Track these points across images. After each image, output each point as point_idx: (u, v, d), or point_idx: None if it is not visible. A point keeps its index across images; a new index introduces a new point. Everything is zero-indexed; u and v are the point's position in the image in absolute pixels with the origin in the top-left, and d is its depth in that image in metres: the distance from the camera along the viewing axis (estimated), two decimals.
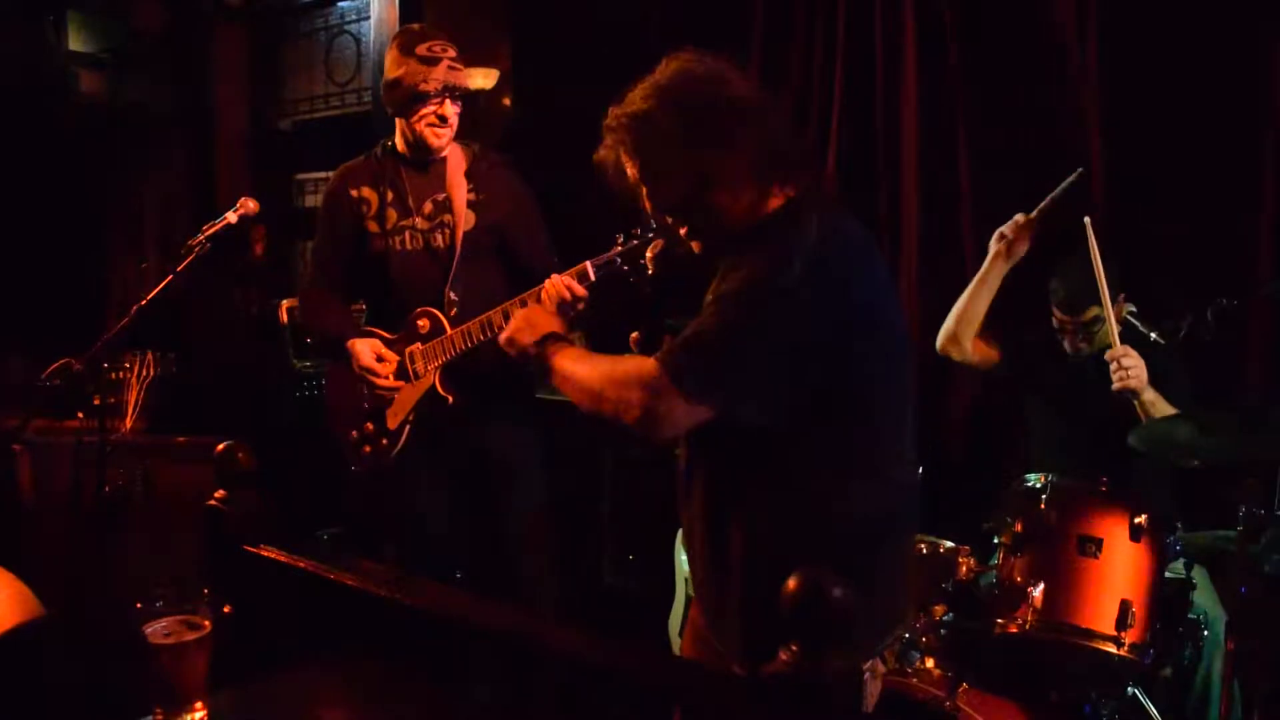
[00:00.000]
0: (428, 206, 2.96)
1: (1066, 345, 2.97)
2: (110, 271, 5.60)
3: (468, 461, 3.01)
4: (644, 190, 1.79)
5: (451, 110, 2.90)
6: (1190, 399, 2.75)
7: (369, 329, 3.03)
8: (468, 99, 3.00)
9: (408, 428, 2.94)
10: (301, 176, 5.82)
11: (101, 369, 3.29)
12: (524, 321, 1.98)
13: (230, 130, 5.95)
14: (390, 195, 2.97)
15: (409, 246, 2.96)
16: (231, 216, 2.97)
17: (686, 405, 1.63)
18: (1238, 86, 3.21)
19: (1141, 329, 2.74)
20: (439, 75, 2.84)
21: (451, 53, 2.89)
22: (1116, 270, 2.79)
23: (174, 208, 5.76)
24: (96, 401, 3.04)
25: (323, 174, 5.69)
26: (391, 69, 2.91)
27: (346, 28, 5.50)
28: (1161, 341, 2.70)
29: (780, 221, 1.73)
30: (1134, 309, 2.82)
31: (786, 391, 1.64)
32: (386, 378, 2.93)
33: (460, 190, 2.95)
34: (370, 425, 2.99)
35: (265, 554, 1.92)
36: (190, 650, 1.43)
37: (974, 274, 3.03)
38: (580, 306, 2.60)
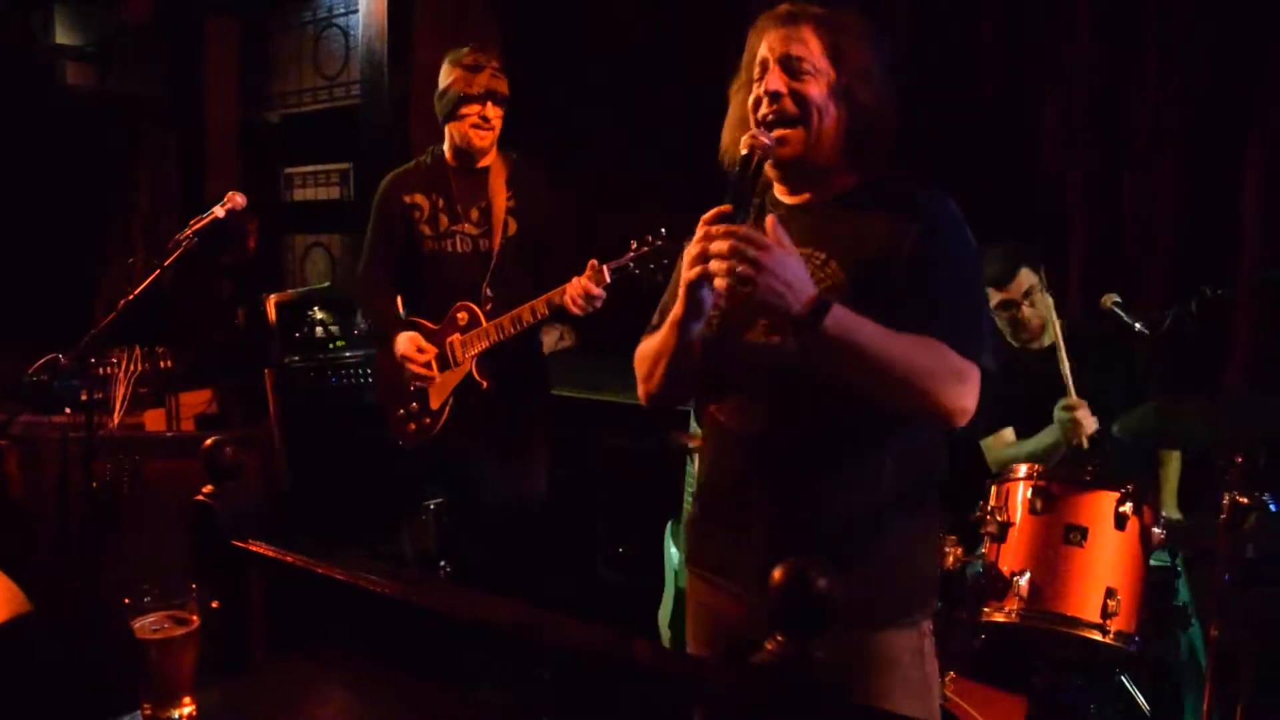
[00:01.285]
0: (474, 213, 3.26)
1: (1011, 338, 3.09)
2: (99, 266, 5.59)
3: (496, 443, 3.28)
4: (822, 86, 1.72)
5: (493, 113, 3.18)
6: (1171, 388, 2.81)
7: (414, 319, 3.33)
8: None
9: (448, 408, 3.26)
10: (290, 170, 5.81)
11: (89, 364, 3.29)
12: (779, 280, 1.54)
13: (219, 123, 5.94)
14: (441, 202, 3.28)
15: (459, 249, 3.26)
16: (219, 211, 2.97)
17: (978, 381, 1.67)
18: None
19: (1126, 319, 2.76)
20: (483, 80, 3.15)
21: (495, 63, 3.19)
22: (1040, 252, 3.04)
23: (163, 201, 5.75)
24: (84, 397, 3.03)
25: (311, 167, 5.69)
26: (442, 80, 3.23)
27: (335, 21, 5.49)
28: (1146, 332, 2.72)
29: (919, 187, 1.77)
30: (1119, 299, 2.84)
31: None
32: (421, 365, 3.23)
33: (501, 198, 3.24)
34: (415, 404, 3.30)
35: (254, 549, 1.92)
36: (178, 645, 1.43)
37: None
38: (598, 304, 2.96)
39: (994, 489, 2.53)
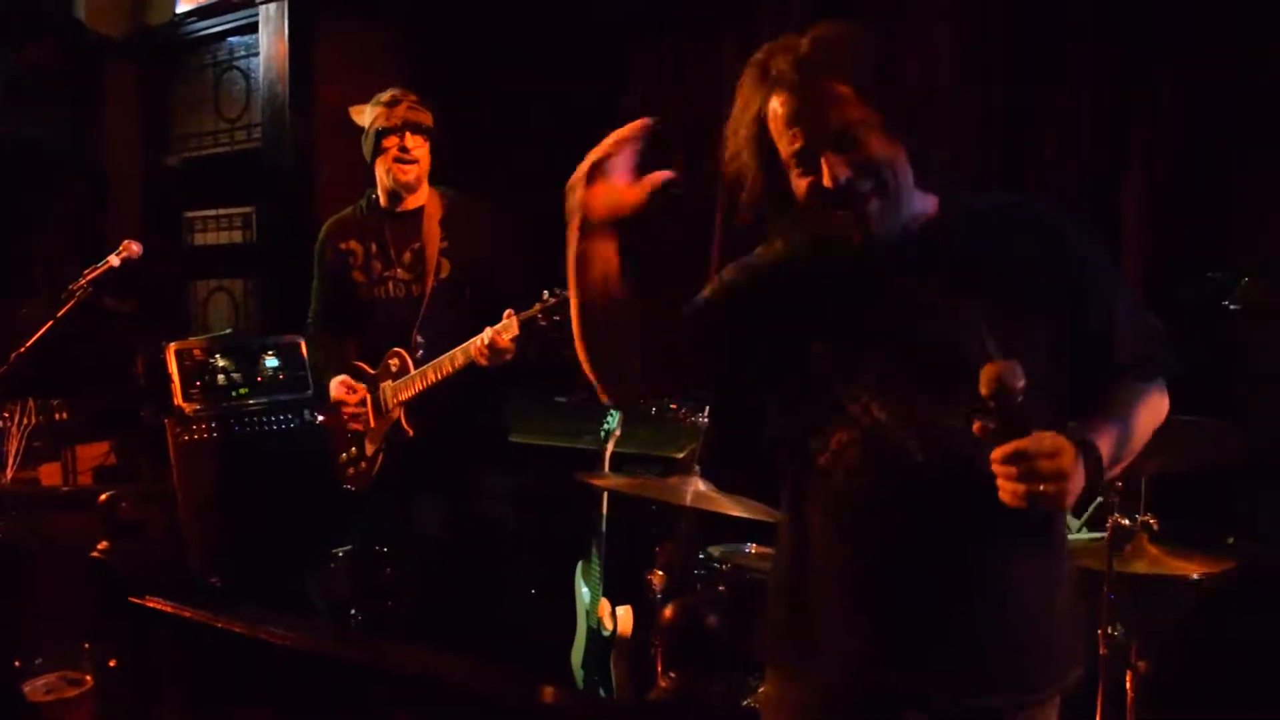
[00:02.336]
0: (407, 256, 3.23)
1: None
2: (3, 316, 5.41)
3: (425, 490, 3.30)
4: (858, 124, 1.46)
5: (413, 143, 3.17)
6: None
7: (357, 364, 3.35)
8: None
9: (380, 455, 3.27)
10: (191, 214, 5.72)
11: None
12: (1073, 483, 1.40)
13: (121, 167, 5.83)
14: (374, 247, 3.27)
15: (391, 294, 3.25)
16: (114, 260, 2.93)
17: None
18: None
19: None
20: (399, 112, 3.17)
21: (413, 98, 3.21)
22: None
23: (65, 247, 5.61)
24: None
25: (212, 211, 5.61)
26: (365, 122, 3.25)
27: (235, 64, 5.44)
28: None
29: (1006, 197, 1.67)
30: None
31: None
32: (355, 406, 3.26)
33: (435, 239, 3.21)
34: (355, 449, 3.32)
35: (151, 605, 1.90)
36: (71, 707, 1.42)
37: None
38: (506, 358, 2.92)
39: None
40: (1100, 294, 1.54)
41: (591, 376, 1.62)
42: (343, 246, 3.32)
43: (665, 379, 1.71)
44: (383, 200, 3.30)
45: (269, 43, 5.05)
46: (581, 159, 1.55)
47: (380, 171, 3.25)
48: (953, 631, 1.52)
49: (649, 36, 4.35)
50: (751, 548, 3.12)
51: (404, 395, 3.20)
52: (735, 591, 2.75)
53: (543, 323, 2.85)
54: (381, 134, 3.17)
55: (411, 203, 3.26)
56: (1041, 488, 1.34)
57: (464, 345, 3.01)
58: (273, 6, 5.02)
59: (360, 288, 3.29)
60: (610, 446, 3.12)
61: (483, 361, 2.97)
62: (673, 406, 3.66)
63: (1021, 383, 1.30)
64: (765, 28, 4.05)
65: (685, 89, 4.24)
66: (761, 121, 1.54)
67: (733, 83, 1.60)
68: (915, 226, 1.54)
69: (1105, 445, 1.44)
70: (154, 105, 5.83)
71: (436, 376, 3.10)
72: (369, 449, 3.30)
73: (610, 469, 3.14)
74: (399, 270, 3.24)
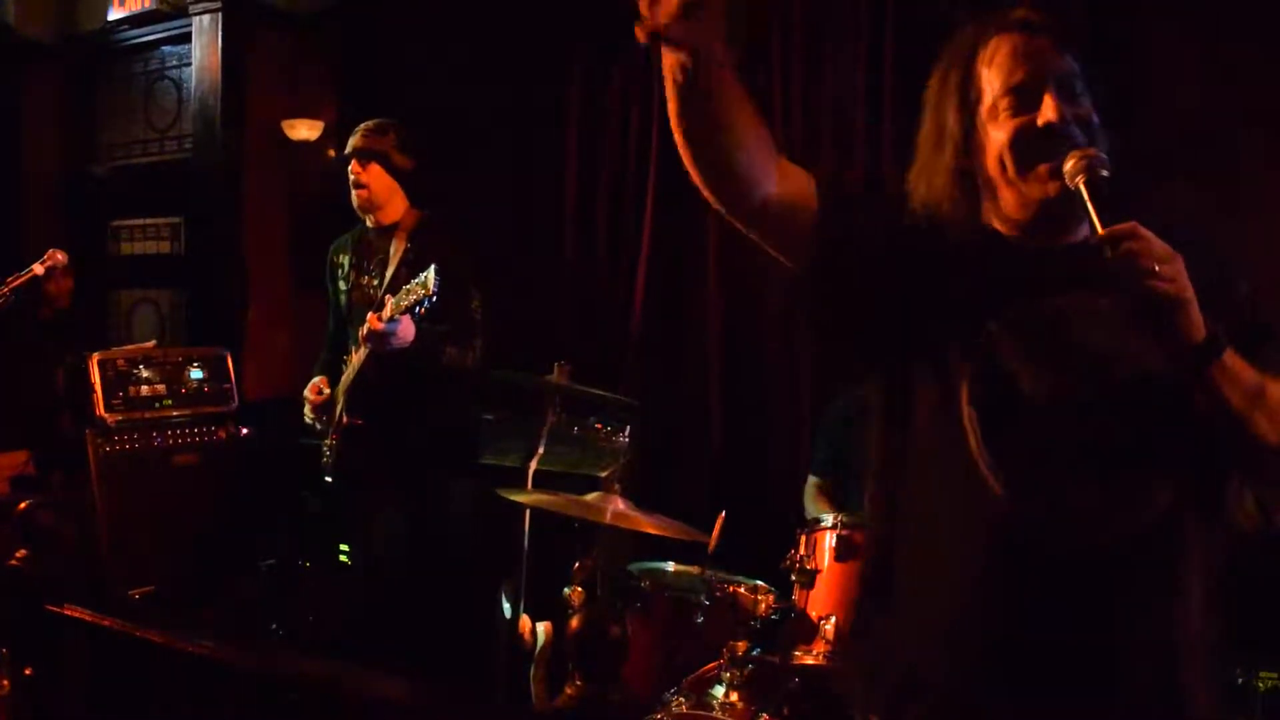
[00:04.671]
0: (374, 264, 3.47)
1: None
2: None
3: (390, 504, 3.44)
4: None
5: (359, 170, 3.39)
6: None
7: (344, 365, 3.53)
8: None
9: (336, 446, 3.46)
10: (118, 223, 5.65)
11: None
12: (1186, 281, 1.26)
13: (39, 174, 5.75)
14: (356, 259, 3.53)
15: (362, 300, 3.44)
16: (38, 269, 2.93)
17: None
18: None
19: None
20: (353, 140, 3.43)
21: (370, 126, 3.44)
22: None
23: None
24: None
25: (140, 220, 5.56)
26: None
27: (167, 73, 5.41)
28: None
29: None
30: None
31: None
32: (313, 401, 3.46)
33: (399, 250, 3.42)
34: (326, 444, 3.51)
35: (69, 613, 1.91)
36: None
37: None
38: (392, 343, 3.12)
39: (802, 538, 2.70)
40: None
41: (694, 171, 1.41)
42: (335, 260, 3.59)
43: (766, 206, 1.44)
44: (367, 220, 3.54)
45: (202, 54, 5.04)
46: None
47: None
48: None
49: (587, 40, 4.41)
50: (671, 565, 3.19)
51: (343, 386, 3.43)
52: (651, 608, 2.83)
53: (420, 312, 3.03)
54: (345, 160, 3.45)
55: (385, 219, 3.47)
56: (1157, 268, 1.22)
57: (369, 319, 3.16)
58: (206, 18, 5.02)
59: (342, 295, 3.55)
60: (534, 464, 3.16)
61: (367, 345, 3.19)
62: (597, 426, 3.73)
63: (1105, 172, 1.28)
64: None
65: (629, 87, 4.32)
66: (968, 75, 1.45)
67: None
68: (1077, 237, 1.42)
69: (1233, 358, 1.27)
70: (79, 111, 5.76)
71: (357, 364, 3.34)
72: (331, 441, 3.48)
73: (533, 487, 3.19)
74: (367, 277, 3.48)
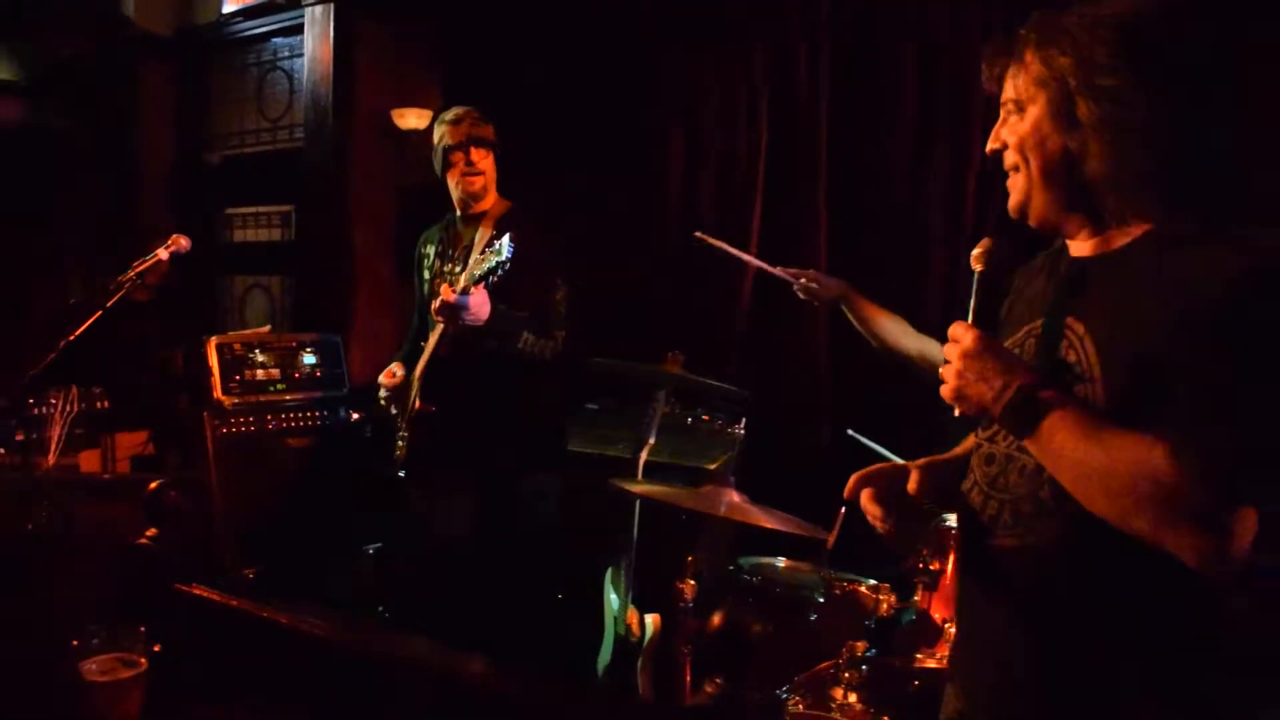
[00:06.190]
0: (459, 252, 3.47)
1: None
2: (29, 304, 5.48)
3: (446, 476, 3.39)
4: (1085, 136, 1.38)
5: (478, 156, 3.39)
6: None
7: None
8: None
9: (410, 435, 3.41)
10: (231, 211, 5.78)
11: (26, 405, 3.24)
12: (973, 372, 1.38)
13: (156, 162, 5.89)
14: (441, 248, 3.54)
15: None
16: (163, 254, 2.96)
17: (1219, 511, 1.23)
18: None
19: None
20: (463, 128, 3.40)
21: (475, 114, 3.44)
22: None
23: (96, 240, 5.67)
24: (19, 437, 2.99)
25: (253, 209, 5.67)
26: (434, 140, 3.48)
27: (279, 64, 5.51)
28: None
29: (1226, 239, 1.30)
30: None
31: None
32: (387, 385, 3.45)
33: (484, 238, 3.39)
34: (400, 433, 3.45)
35: (196, 592, 1.92)
36: (125, 688, 1.44)
37: None
38: (464, 317, 3.06)
39: (924, 539, 2.61)
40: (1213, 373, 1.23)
41: None
42: (422, 251, 3.61)
43: None
44: (457, 209, 3.52)
45: (314, 45, 5.11)
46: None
47: (451, 184, 3.47)
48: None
49: (682, 44, 4.37)
50: (781, 561, 3.13)
51: (417, 370, 3.39)
52: (766, 604, 2.77)
53: (493, 280, 2.99)
54: (449, 150, 3.41)
55: (477, 208, 3.47)
56: (940, 371, 1.41)
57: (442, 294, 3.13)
58: (319, 9, 5.08)
59: (426, 284, 3.55)
60: (644, 455, 3.13)
61: (439, 319, 3.15)
62: (705, 418, 3.68)
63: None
64: (798, 36, 4.08)
65: (716, 96, 4.27)
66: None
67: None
68: (1110, 246, 1.43)
69: (1068, 405, 1.30)
70: (193, 102, 5.89)
71: (432, 344, 3.33)
72: (404, 430, 3.44)
73: (643, 477, 3.15)
74: (450, 264, 3.46)
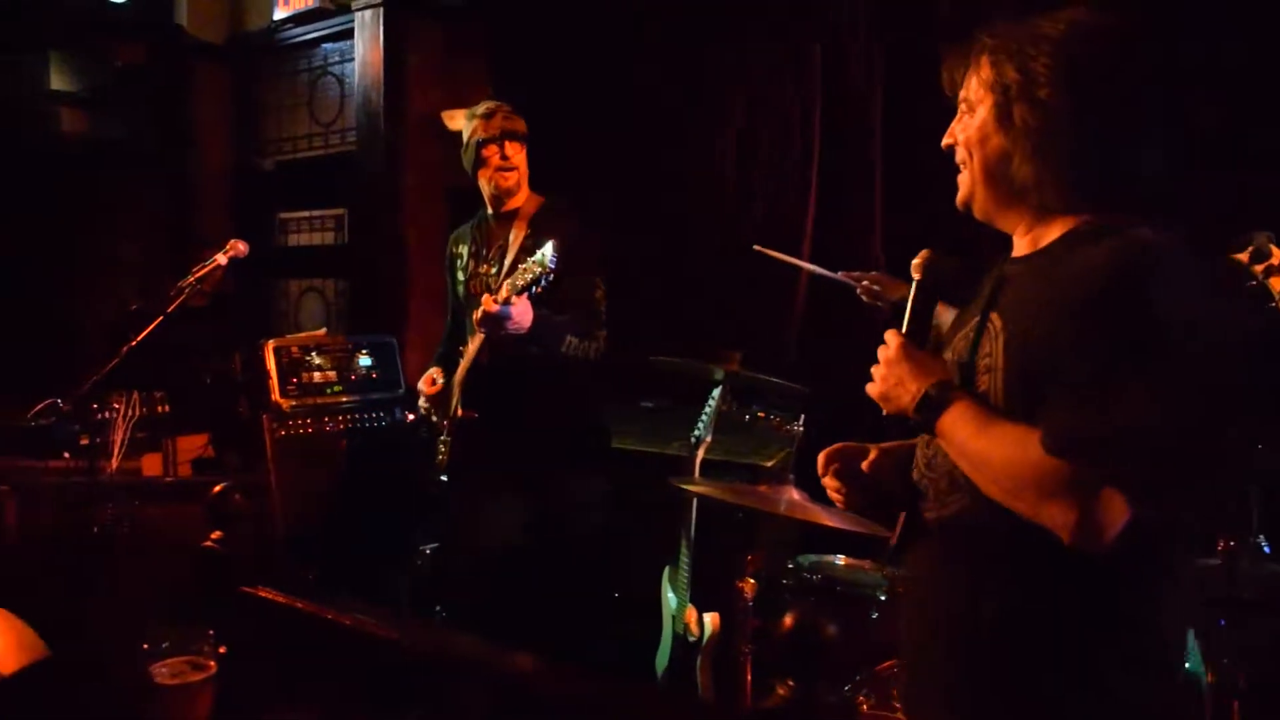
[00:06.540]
0: (494, 252, 3.36)
1: None
2: (87, 310, 5.58)
3: (491, 478, 3.31)
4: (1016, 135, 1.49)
5: (512, 151, 3.30)
6: None
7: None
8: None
9: (451, 441, 3.35)
10: (285, 215, 5.84)
11: (89, 409, 3.29)
12: (894, 376, 1.54)
13: (211, 168, 5.98)
14: (475, 249, 3.43)
15: (478, 290, 3.31)
16: (221, 259, 3.00)
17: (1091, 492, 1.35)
18: None
19: None
20: (497, 123, 3.30)
21: (507, 109, 3.35)
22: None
23: (154, 246, 5.76)
24: (84, 442, 3.04)
25: (305, 213, 5.72)
26: (464, 136, 3.38)
27: (330, 69, 5.55)
28: None
29: (1132, 231, 1.42)
30: None
31: None
32: (427, 392, 3.39)
33: (520, 236, 3.31)
34: (441, 440, 3.39)
35: (263, 595, 1.93)
36: (196, 691, 1.44)
37: None
38: (506, 326, 2.95)
39: None
40: (1074, 360, 1.35)
41: None
42: (454, 251, 3.51)
43: None
44: (489, 207, 3.43)
45: (364, 49, 5.15)
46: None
47: (483, 181, 3.37)
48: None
49: (728, 43, 4.34)
50: (841, 559, 3.09)
51: (458, 376, 3.31)
52: (828, 603, 2.73)
53: (537, 290, 2.91)
54: (481, 144, 3.31)
55: (510, 205, 3.37)
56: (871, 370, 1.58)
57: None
58: (369, 13, 5.12)
59: (459, 285, 3.46)
60: (701, 453, 3.10)
61: (481, 330, 3.05)
62: (760, 415, 3.65)
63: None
64: (844, 33, 4.04)
65: (759, 92, 4.23)
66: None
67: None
68: (1040, 245, 1.54)
69: (958, 413, 1.44)
70: (246, 108, 5.97)
71: (473, 352, 3.23)
72: (445, 436, 3.39)
73: (699, 475, 3.13)
74: (485, 265, 3.37)
